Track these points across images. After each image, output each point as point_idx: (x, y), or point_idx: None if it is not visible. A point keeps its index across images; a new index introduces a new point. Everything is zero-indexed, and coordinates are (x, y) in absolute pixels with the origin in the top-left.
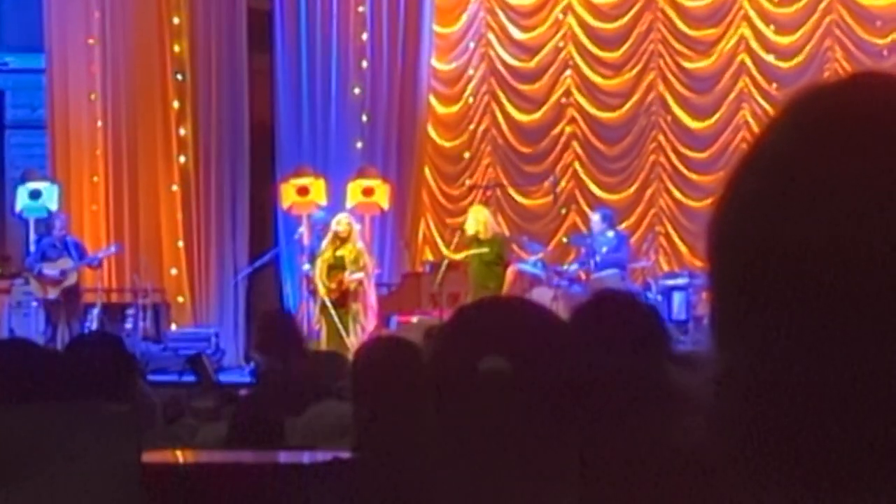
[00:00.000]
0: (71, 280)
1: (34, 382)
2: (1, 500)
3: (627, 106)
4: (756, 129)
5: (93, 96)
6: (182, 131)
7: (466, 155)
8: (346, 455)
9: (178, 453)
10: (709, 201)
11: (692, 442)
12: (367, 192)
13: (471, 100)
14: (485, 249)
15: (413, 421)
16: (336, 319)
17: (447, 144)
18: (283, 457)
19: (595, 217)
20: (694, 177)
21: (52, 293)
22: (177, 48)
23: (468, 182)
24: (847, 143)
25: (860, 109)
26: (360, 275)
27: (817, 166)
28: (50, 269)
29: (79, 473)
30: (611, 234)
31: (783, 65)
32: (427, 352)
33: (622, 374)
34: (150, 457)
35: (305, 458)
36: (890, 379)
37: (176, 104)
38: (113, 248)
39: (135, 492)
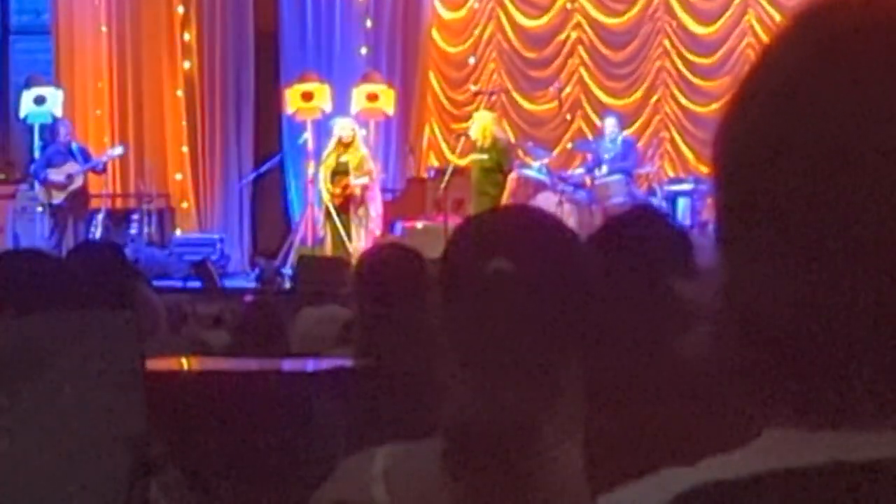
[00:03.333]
0: (76, 184)
1: (34, 292)
2: (2, 407)
3: (633, 11)
4: (762, 33)
5: (97, 1)
6: (186, 36)
7: (471, 60)
8: (348, 362)
9: (182, 360)
10: (714, 107)
11: (697, 353)
12: (372, 97)
13: (476, 5)
14: (484, 157)
15: (416, 327)
16: (339, 225)
17: (452, 50)
18: (287, 364)
19: (609, 121)
20: (699, 82)
21: (58, 198)
22: None
23: (473, 87)
24: (857, 55)
25: (869, 20)
26: (364, 180)
27: (826, 78)
28: (55, 175)
29: (80, 381)
30: (619, 139)
31: None
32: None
33: (629, 283)
34: (153, 364)
35: (309, 365)
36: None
37: (180, 9)
38: (118, 150)
39: (138, 399)
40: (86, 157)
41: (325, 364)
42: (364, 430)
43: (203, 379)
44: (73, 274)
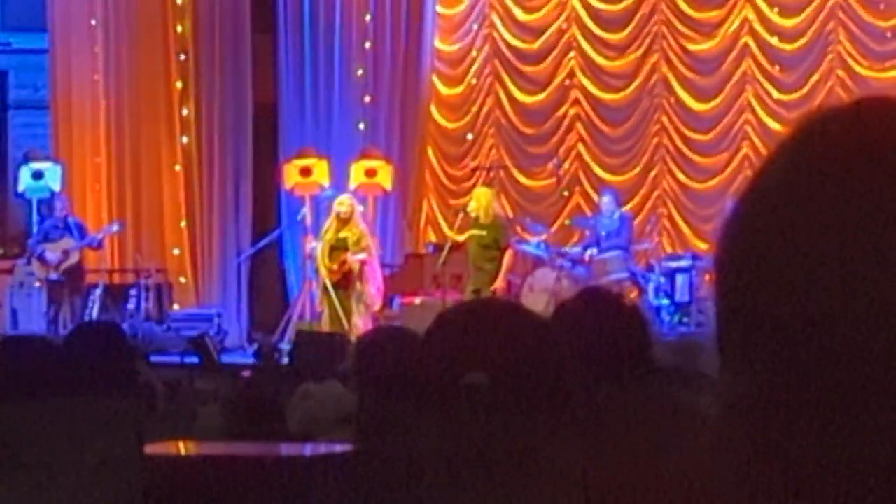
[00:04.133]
0: (73, 260)
1: (35, 379)
2: (3, 495)
3: (631, 88)
4: (760, 111)
5: (96, 76)
6: (185, 111)
7: (470, 136)
8: (346, 447)
9: (180, 445)
10: (712, 183)
11: (693, 462)
12: (370, 172)
13: (474, 81)
14: (483, 232)
15: (415, 416)
16: (337, 301)
17: (450, 125)
18: (285, 449)
19: (605, 198)
20: (697, 159)
21: (54, 274)
22: (180, 28)
23: (471, 163)
24: (852, 171)
25: (864, 136)
26: (362, 255)
27: (822, 194)
28: (52, 251)
29: (81, 468)
30: (616, 215)
31: (787, 47)
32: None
33: (606, 390)
34: (151, 449)
35: (307, 450)
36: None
37: (179, 84)
38: (115, 227)
39: (136, 485)
40: (82, 232)
41: (324, 449)
42: None
43: (201, 464)
44: (73, 360)
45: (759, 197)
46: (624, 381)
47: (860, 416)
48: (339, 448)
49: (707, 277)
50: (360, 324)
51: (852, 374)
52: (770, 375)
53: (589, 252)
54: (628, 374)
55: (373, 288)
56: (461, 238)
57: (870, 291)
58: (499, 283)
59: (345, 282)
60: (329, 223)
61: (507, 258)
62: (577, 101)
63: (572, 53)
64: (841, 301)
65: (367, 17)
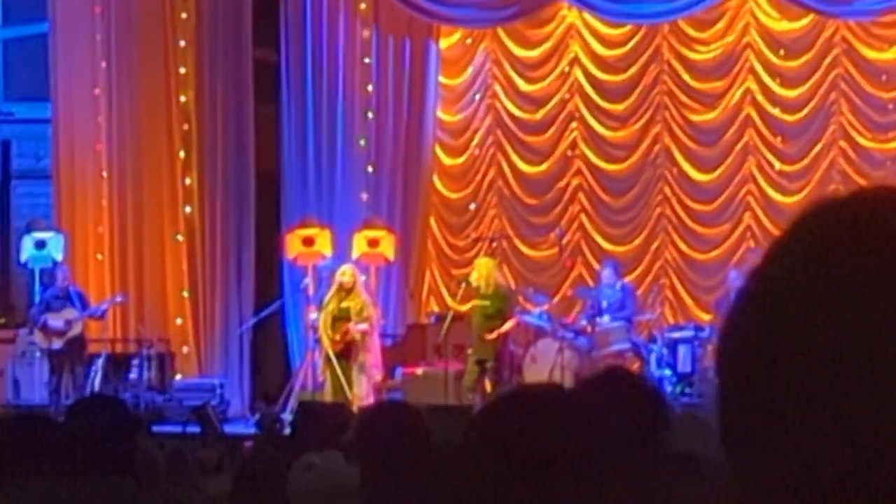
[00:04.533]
0: (76, 330)
1: (35, 457)
2: None
3: (633, 158)
4: (762, 181)
5: (98, 146)
6: (188, 181)
7: (472, 206)
8: None
9: None
10: (714, 253)
11: None
12: (373, 242)
13: (477, 151)
14: (486, 303)
15: (417, 494)
16: (339, 371)
17: (453, 195)
18: None
19: (606, 272)
20: (699, 229)
21: (57, 343)
22: (183, 98)
23: (474, 233)
24: (853, 262)
25: (865, 227)
26: (364, 326)
27: (824, 284)
28: (54, 320)
29: None
30: (618, 286)
31: (789, 118)
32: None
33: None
34: None
35: None
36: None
37: (182, 154)
38: (118, 298)
39: None
40: (83, 301)
41: None
42: None
43: None
44: (75, 437)
45: (762, 285)
46: (637, 468)
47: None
48: None
49: (710, 348)
50: (362, 394)
51: (862, 469)
52: (775, 469)
53: (591, 322)
54: (641, 460)
55: (374, 358)
56: (463, 308)
57: (874, 382)
58: (498, 344)
59: (347, 352)
60: (332, 293)
61: (510, 323)
62: (579, 172)
63: (574, 124)
64: (847, 390)
65: (370, 87)
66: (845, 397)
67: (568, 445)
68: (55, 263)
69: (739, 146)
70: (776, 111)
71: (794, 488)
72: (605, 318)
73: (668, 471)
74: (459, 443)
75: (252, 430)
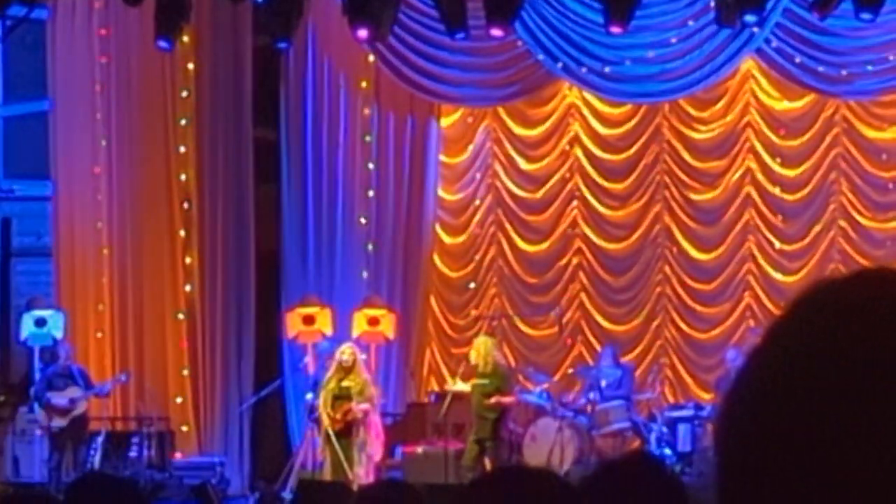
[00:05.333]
0: (80, 409)
1: None
2: None
3: (634, 237)
4: (762, 261)
5: (99, 224)
6: (188, 260)
7: (472, 285)
8: None
9: None
10: (714, 333)
11: None
12: (373, 321)
13: (477, 230)
14: (485, 381)
15: None
16: (339, 450)
17: (453, 274)
18: None
19: (605, 359)
20: (699, 308)
21: (60, 422)
22: (183, 177)
23: (474, 312)
24: (852, 344)
25: (865, 308)
26: (365, 405)
27: (823, 366)
28: (58, 398)
29: None
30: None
31: (789, 197)
32: None
33: None
34: None
35: None
36: None
37: (182, 233)
38: (122, 378)
39: None
40: (86, 379)
41: None
42: None
43: None
44: None
45: (761, 365)
46: None
47: None
48: None
49: (709, 427)
50: (362, 473)
51: None
52: None
53: (591, 401)
54: None
55: (374, 437)
56: (464, 387)
57: (872, 465)
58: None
59: (347, 431)
60: (331, 372)
61: (507, 403)
62: (579, 251)
63: (575, 202)
64: (845, 472)
65: (371, 166)
66: (843, 478)
67: None
68: (55, 341)
69: (739, 225)
70: (776, 190)
71: None
72: (604, 396)
73: None
74: None
75: None
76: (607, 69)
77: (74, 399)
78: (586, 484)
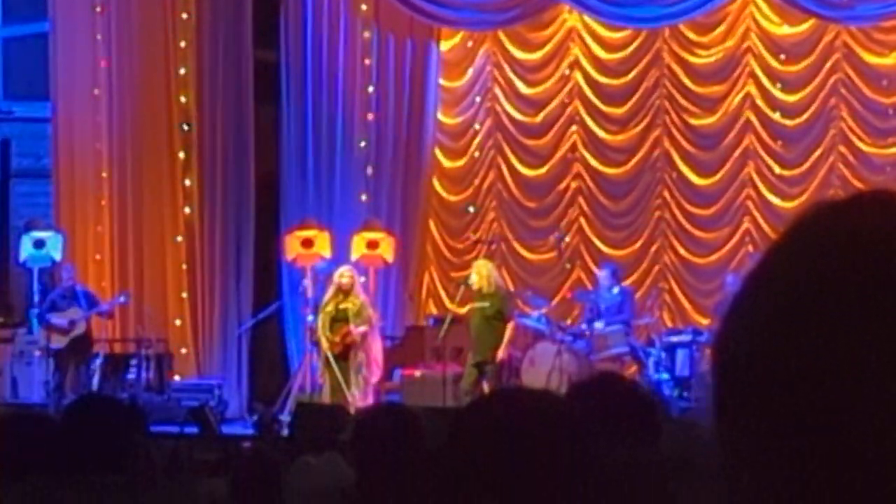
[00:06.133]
0: (80, 329)
1: (34, 456)
2: None
3: (633, 162)
4: (761, 186)
5: (98, 146)
6: (187, 182)
7: (471, 209)
8: None
9: None
10: (713, 257)
11: None
12: (372, 244)
13: (476, 154)
14: (486, 304)
15: (414, 497)
16: (338, 373)
17: (452, 198)
18: None
19: (603, 273)
20: (698, 233)
21: (60, 342)
22: (183, 99)
23: (473, 236)
24: (850, 266)
25: (863, 231)
26: (364, 328)
27: (821, 288)
28: (58, 319)
29: None
30: (616, 290)
31: (789, 122)
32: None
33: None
34: None
35: None
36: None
37: (182, 155)
38: (121, 298)
39: None
40: (90, 300)
41: None
42: None
43: None
44: (72, 436)
45: (758, 289)
46: (624, 473)
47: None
48: None
49: (707, 352)
50: (360, 396)
51: (854, 466)
52: (768, 470)
53: (589, 326)
54: (629, 465)
55: (372, 360)
56: (462, 311)
57: (869, 386)
58: (501, 354)
59: (345, 354)
60: (330, 295)
61: (509, 330)
62: (578, 175)
63: (574, 127)
64: (843, 394)
65: (370, 89)
66: (840, 401)
67: (552, 447)
68: (54, 263)
69: (739, 150)
70: (776, 115)
71: (787, 489)
72: (603, 320)
73: (659, 475)
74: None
75: (250, 431)
76: None
77: (74, 320)
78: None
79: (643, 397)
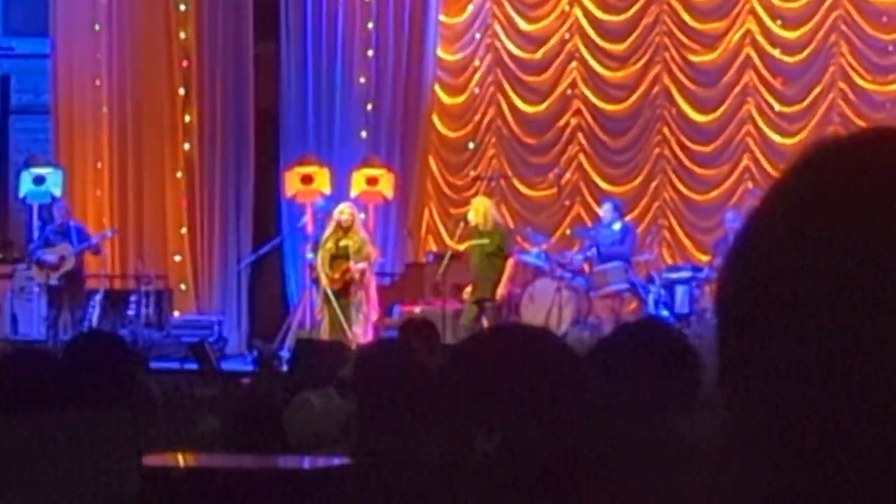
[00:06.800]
0: (69, 265)
1: (34, 391)
2: None
3: (633, 98)
4: (761, 122)
5: (98, 82)
6: (187, 118)
7: (471, 145)
8: (344, 461)
9: (179, 457)
10: (713, 194)
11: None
12: (372, 181)
13: (476, 90)
14: (485, 241)
15: (412, 432)
16: (338, 309)
17: (452, 135)
18: (284, 462)
19: (605, 206)
20: (698, 170)
21: (53, 278)
22: (183, 35)
23: (472, 172)
24: (853, 203)
25: (865, 168)
26: (363, 264)
27: (824, 226)
28: (48, 255)
29: (80, 480)
30: (618, 225)
31: (788, 59)
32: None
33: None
34: (150, 459)
35: (305, 462)
36: None
37: (181, 91)
38: (108, 233)
39: (135, 497)
40: (81, 236)
41: (322, 462)
42: None
43: (199, 476)
44: (72, 371)
45: (762, 225)
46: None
47: (863, 456)
48: (337, 461)
49: (707, 289)
50: (360, 332)
51: (856, 408)
52: (769, 405)
53: (589, 262)
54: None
55: (372, 296)
56: (461, 247)
57: (874, 322)
58: (501, 291)
59: (345, 290)
60: (329, 231)
61: (509, 267)
62: (578, 112)
63: (574, 63)
64: (846, 329)
65: (370, 26)
66: (843, 337)
67: (548, 383)
68: (53, 199)
69: (739, 87)
70: (776, 52)
71: (788, 423)
72: (603, 256)
73: (660, 414)
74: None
75: (249, 368)
76: None
77: (64, 255)
78: (602, 346)
79: (688, 348)
